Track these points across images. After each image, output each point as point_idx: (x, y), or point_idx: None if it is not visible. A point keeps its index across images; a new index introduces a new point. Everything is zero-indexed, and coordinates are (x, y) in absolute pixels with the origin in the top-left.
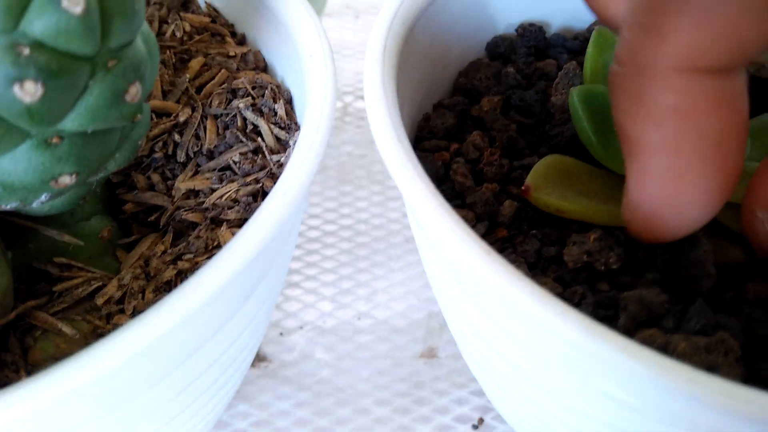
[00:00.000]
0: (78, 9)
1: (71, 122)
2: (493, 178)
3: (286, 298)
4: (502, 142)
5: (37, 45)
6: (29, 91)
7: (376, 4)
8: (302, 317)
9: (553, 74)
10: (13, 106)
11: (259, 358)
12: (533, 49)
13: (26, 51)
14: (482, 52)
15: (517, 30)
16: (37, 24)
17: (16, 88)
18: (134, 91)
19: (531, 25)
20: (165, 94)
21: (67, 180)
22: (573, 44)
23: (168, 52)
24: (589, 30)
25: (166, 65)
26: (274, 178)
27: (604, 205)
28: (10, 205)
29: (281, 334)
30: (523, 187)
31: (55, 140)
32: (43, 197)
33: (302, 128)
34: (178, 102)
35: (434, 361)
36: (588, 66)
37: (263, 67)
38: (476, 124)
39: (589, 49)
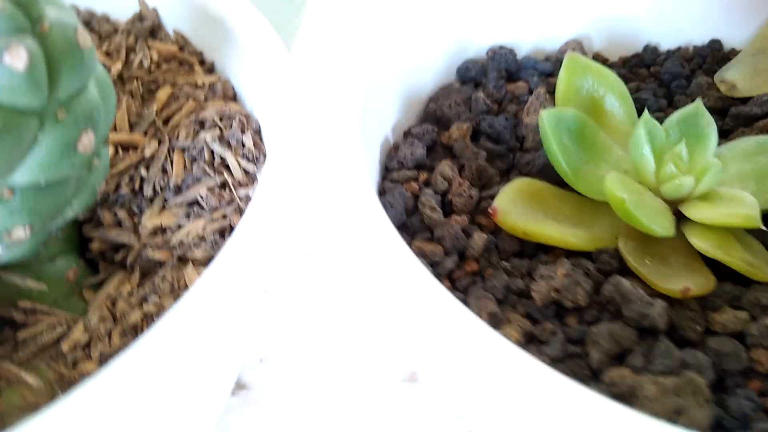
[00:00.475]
0: (21, 64)
1: (22, 176)
2: (462, 210)
3: (267, 324)
4: (472, 171)
5: None
6: None
7: (355, 19)
8: (283, 343)
9: (524, 98)
10: None
11: (240, 386)
12: (504, 72)
13: None
14: (454, 76)
15: (487, 53)
16: None
17: None
18: (87, 141)
19: (501, 48)
20: (132, 127)
21: (20, 233)
22: (544, 66)
23: (135, 82)
24: (561, 51)
25: (133, 96)
26: (241, 212)
27: (574, 228)
28: None
29: (261, 360)
30: (490, 209)
31: (6, 194)
32: None
33: (266, 162)
34: (145, 134)
35: (416, 384)
36: (560, 89)
37: (232, 96)
38: (447, 152)
39: (562, 73)
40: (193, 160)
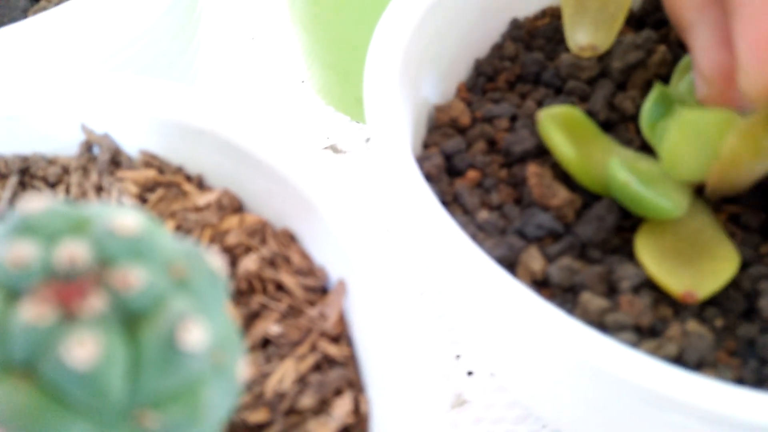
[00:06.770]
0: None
1: None
2: None
3: None
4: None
5: None
6: None
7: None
8: None
9: None
10: None
11: None
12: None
13: None
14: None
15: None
16: None
17: None
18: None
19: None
20: None
21: None
22: None
23: None
24: None
25: None
26: (329, 338)
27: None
28: None
29: None
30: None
31: None
32: None
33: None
34: None
35: (467, 407)
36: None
37: (239, 207)
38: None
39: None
40: (240, 294)
